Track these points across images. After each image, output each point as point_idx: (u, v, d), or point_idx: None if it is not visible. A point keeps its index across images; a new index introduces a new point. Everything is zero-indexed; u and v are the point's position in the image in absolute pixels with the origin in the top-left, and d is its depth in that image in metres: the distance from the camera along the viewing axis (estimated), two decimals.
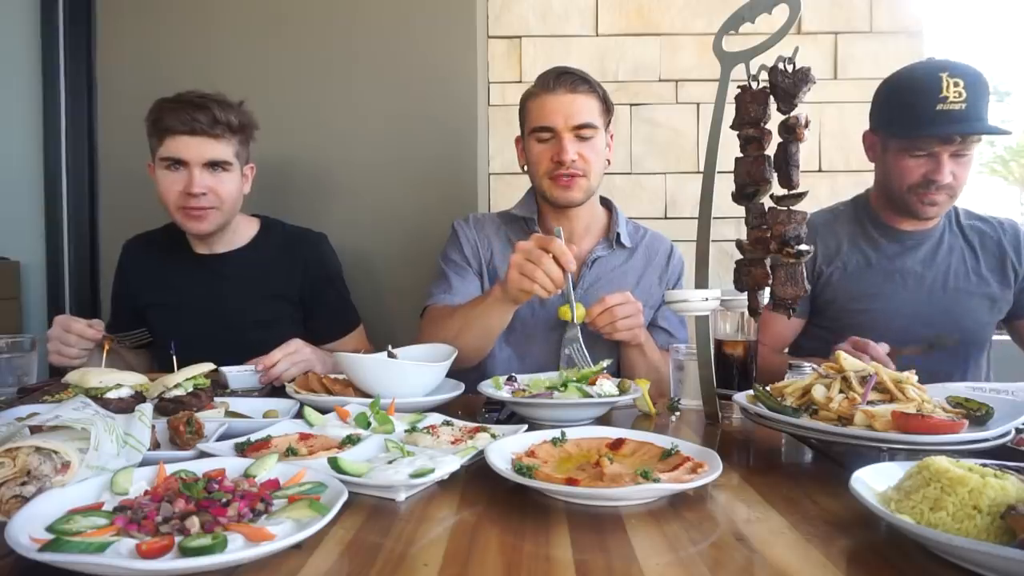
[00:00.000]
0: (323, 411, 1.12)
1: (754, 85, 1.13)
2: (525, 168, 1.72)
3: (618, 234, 1.71)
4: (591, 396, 1.18)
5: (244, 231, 1.82)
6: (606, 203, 1.80)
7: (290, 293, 1.80)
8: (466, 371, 1.64)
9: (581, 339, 1.28)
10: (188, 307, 1.74)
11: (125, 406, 1.09)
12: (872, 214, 1.75)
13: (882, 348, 1.35)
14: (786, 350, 1.80)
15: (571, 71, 1.63)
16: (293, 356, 1.45)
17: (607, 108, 1.66)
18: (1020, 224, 1.76)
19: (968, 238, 1.74)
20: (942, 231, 1.73)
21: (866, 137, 1.73)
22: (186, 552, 0.59)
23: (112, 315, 1.87)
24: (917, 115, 1.54)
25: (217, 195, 1.66)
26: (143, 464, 0.81)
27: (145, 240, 1.86)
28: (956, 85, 1.50)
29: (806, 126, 1.09)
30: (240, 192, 1.74)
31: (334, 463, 0.81)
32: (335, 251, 1.92)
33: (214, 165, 1.65)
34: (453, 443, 0.97)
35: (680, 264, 1.79)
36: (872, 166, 1.73)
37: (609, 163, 1.72)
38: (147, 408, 0.93)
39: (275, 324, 1.74)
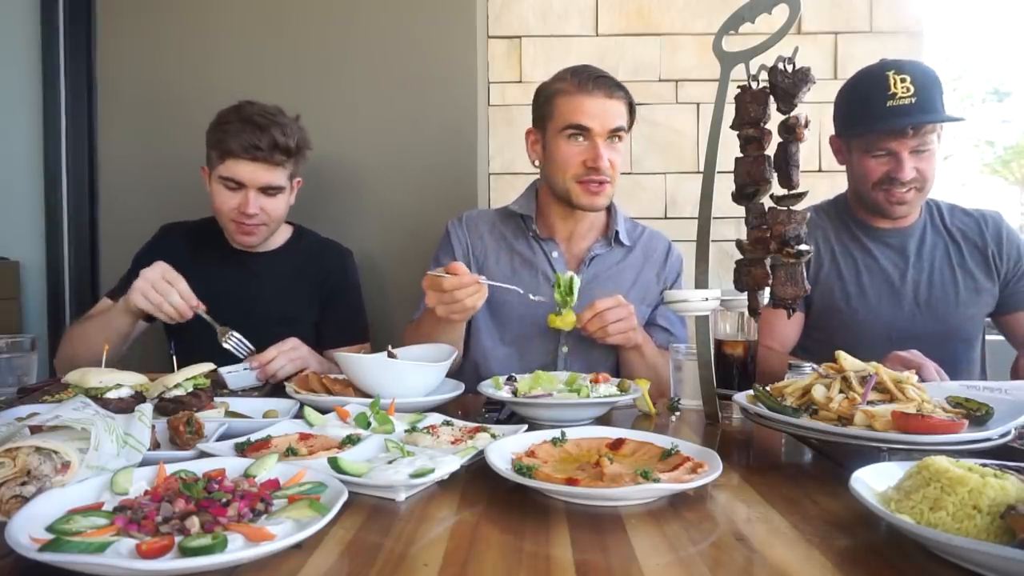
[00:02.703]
0: (323, 411, 1.12)
1: (754, 85, 1.13)
2: (536, 163, 1.70)
3: (616, 232, 1.71)
4: (591, 396, 1.18)
5: (279, 236, 1.90)
6: None
7: (311, 297, 1.87)
8: (466, 371, 1.65)
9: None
10: (217, 298, 1.72)
11: (125, 406, 1.09)
12: (852, 215, 1.79)
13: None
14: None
15: (606, 75, 1.61)
16: (289, 353, 1.48)
17: (633, 115, 1.66)
18: (1003, 217, 1.78)
19: (952, 233, 1.76)
20: (923, 228, 1.76)
21: (832, 141, 1.79)
22: (186, 552, 0.59)
23: (123, 283, 1.79)
24: (869, 113, 1.60)
25: (267, 214, 1.73)
26: (143, 464, 0.81)
27: (185, 230, 1.90)
28: (903, 81, 1.56)
29: (806, 126, 1.09)
30: (287, 208, 1.80)
31: (334, 463, 0.81)
32: (357, 268, 1.98)
33: (268, 190, 1.71)
34: (453, 443, 0.97)
35: (679, 262, 1.78)
36: None
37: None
38: (147, 408, 0.93)
39: (297, 322, 1.79)
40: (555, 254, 1.71)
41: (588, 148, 1.58)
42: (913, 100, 1.55)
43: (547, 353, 1.65)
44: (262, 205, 1.71)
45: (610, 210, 1.76)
